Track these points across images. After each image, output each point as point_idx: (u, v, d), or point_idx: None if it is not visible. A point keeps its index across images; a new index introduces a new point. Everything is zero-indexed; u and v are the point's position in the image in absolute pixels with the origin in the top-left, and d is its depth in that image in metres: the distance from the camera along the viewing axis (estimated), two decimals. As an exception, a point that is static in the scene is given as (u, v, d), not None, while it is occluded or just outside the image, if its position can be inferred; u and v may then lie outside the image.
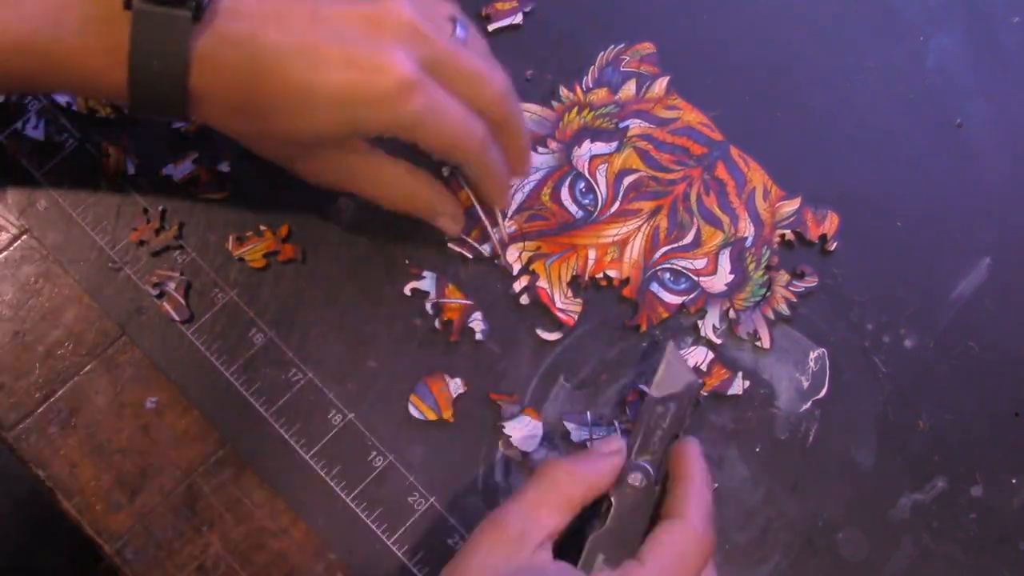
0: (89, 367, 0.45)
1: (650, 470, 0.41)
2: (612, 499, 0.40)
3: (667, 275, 0.47)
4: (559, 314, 0.46)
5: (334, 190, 0.43)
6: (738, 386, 0.46)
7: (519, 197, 0.48)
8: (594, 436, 0.45)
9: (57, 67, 0.37)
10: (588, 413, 0.45)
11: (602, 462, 0.40)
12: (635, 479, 0.41)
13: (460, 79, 0.39)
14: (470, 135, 0.39)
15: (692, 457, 0.40)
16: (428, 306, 0.46)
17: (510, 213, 0.47)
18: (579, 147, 0.48)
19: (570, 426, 0.45)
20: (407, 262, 0.47)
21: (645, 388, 0.44)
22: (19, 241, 0.46)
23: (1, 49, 0.36)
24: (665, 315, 0.46)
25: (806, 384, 0.46)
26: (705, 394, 0.46)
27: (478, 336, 0.46)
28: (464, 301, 0.46)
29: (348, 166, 0.41)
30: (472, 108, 0.39)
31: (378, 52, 0.36)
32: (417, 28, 0.38)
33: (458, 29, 0.41)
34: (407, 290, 0.46)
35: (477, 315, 0.46)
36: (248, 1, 0.36)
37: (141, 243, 0.46)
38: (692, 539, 0.37)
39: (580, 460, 0.40)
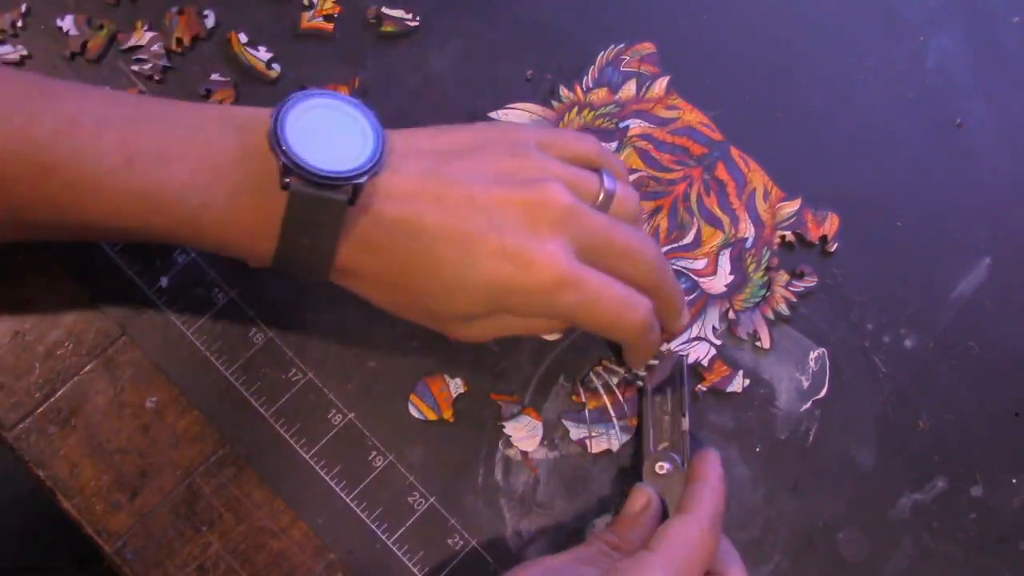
0: (89, 367, 0.45)
1: (674, 456, 0.42)
2: (656, 502, 0.42)
3: (667, 275, 0.47)
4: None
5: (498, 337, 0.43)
6: (738, 383, 0.46)
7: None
8: (593, 434, 0.45)
9: (200, 232, 0.36)
10: (587, 411, 0.45)
11: (638, 525, 0.41)
12: (661, 468, 0.42)
13: (614, 256, 0.38)
14: (629, 320, 0.38)
15: (711, 463, 0.41)
16: (428, 306, 0.46)
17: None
18: (579, 147, 0.48)
19: (569, 424, 0.45)
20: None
21: (640, 383, 0.45)
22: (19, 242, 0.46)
23: (141, 209, 0.36)
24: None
25: (806, 384, 0.46)
26: (704, 390, 0.46)
27: (478, 336, 0.46)
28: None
29: (493, 326, 0.40)
30: (630, 283, 0.39)
31: (533, 245, 0.36)
32: (573, 213, 0.37)
33: (606, 180, 0.40)
34: (407, 290, 0.46)
35: (477, 315, 0.46)
36: (404, 183, 0.36)
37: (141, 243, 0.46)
38: (698, 533, 0.38)
39: (618, 528, 0.41)
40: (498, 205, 0.36)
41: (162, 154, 0.35)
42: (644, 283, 0.39)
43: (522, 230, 0.36)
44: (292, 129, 0.35)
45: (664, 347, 0.44)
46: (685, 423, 0.43)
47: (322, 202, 0.35)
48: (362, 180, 0.35)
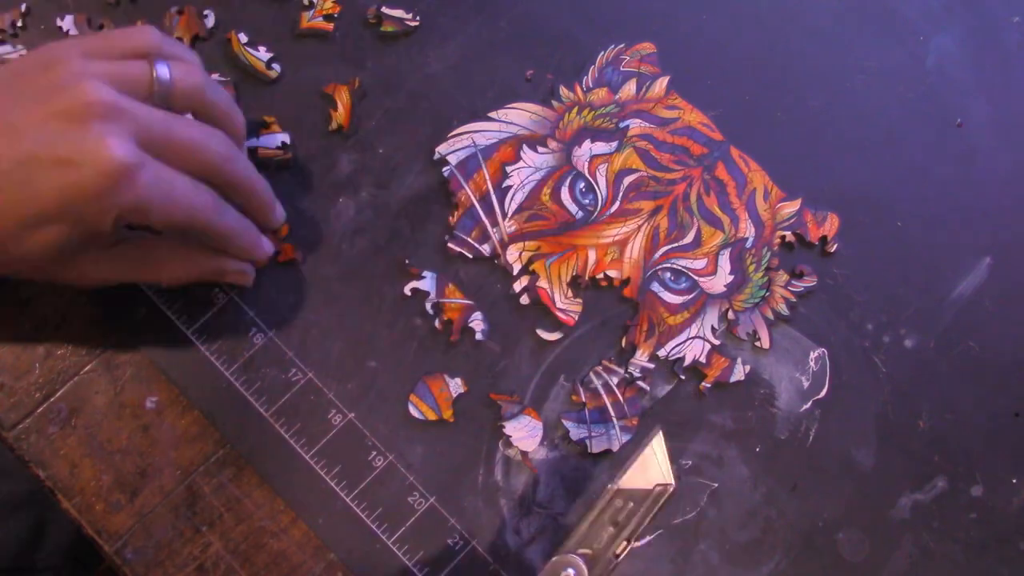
0: (89, 367, 0.45)
1: (583, 569, 0.38)
2: None
3: (668, 275, 0.47)
4: (559, 314, 0.46)
5: (112, 284, 0.42)
6: (740, 372, 0.46)
7: (519, 197, 0.48)
8: (593, 434, 0.45)
9: None
10: (587, 411, 0.45)
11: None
12: (567, 575, 0.38)
13: (175, 151, 0.38)
14: (201, 204, 0.38)
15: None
16: (428, 306, 0.46)
17: (510, 213, 0.47)
18: (579, 147, 0.48)
19: (569, 424, 0.45)
20: (407, 262, 0.47)
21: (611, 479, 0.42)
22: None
23: None
24: (666, 315, 0.46)
25: (806, 384, 0.46)
26: (708, 385, 0.46)
27: (478, 336, 0.46)
28: (464, 301, 0.46)
29: (112, 262, 0.40)
30: (196, 177, 0.38)
31: (86, 144, 0.35)
32: (117, 107, 0.36)
33: (158, 68, 0.38)
34: (407, 290, 0.46)
35: (477, 315, 0.46)
36: None
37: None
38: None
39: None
40: (39, 122, 0.35)
41: None
42: (214, 180, 0.39)
43: (71, 136, 0.35)
44: None
45: (655, 437, 0.42)
46: (622, 548, 0.40)
47: None
48: None
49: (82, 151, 0.35)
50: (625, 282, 0.47)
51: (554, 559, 0.39)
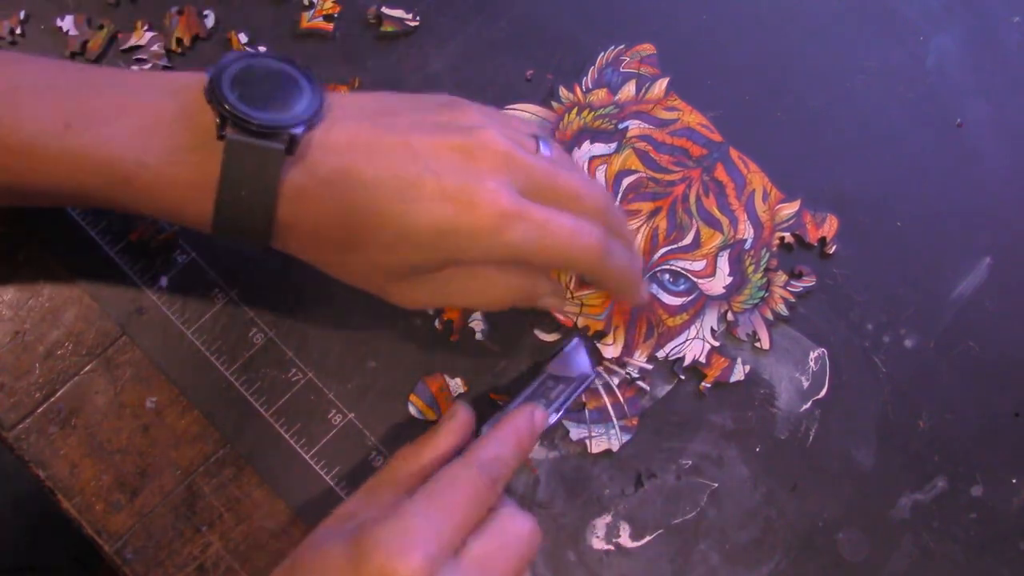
0: (89, 367, 0.45)
1: None
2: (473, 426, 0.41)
3: (667, 276, 0.47)
4: (559, 315, 0.46)
5: (431, 308, 0.43)
6: (739, 372, 0.46)
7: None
8: (592, 434, 0.45)
9: (138, 193, 0.36)
10: (587, 411, 0.45)
11: (442, 442, 0.40)
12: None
13: (559, 198, 0.38)
14: (584, 245, 0.38)
15: (518, 414, 0.40)
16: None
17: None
18: (579, 148, 0.48)
19: (569, 424, 0.45)
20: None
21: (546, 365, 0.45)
22: (20, 241, 0.46)
23: (78, 170, 0.35)
24: (665, 317, 0.46)
25: (806, 384, 0.46)
26: (708, 385, 0.46)
27: (478, 336, 0.46)
28: (464, 301, 0.46)
29: (440, 287, 0.40)
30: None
31: (473, 184, 0.36)
32: (511, 155, 0.37)
33: (542, 147, 0.40)
34: (407, 290, 0.46)
35: (477, 315, 0.46)
36: (340, 134, 0.36)
37: (141, 243, 0.46)
38: (465, 476, 0.37)
39: (422, 444, 0.40)
40: (434, 150, 0.36)
41: (99, 116, 0.35)
42: (598, 220, 0.39)
43: (460, 172, 0.36)
44: (230, 84, 0.35)
45: (575, 340, 0.44)
46: (553, 418, 0.42)
47: (259, 151, 0.34)
48: (299, 130, 0.35)
49: (468, 190, 0.35)
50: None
51: (492, 419, 0.42)
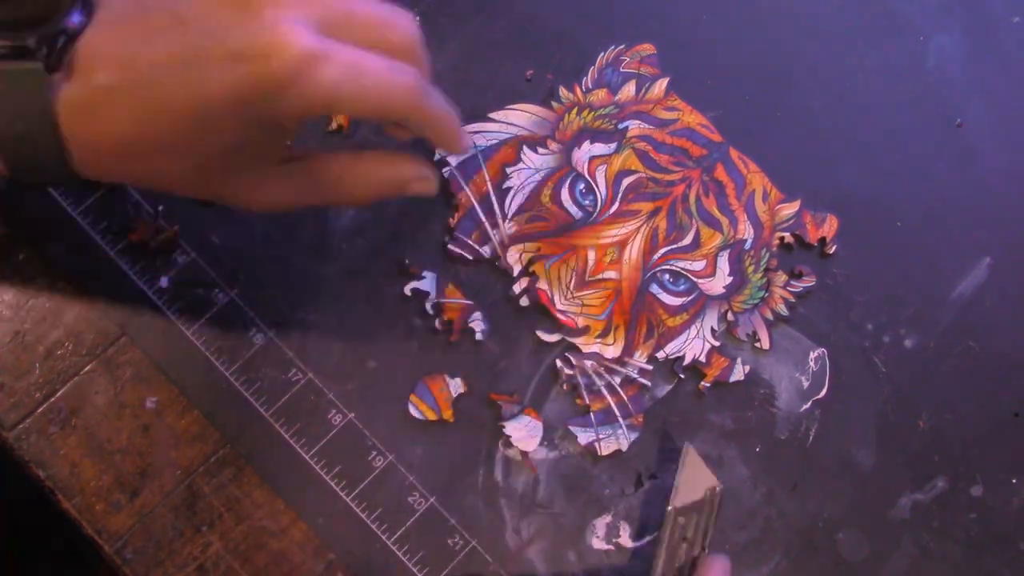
0: (89, 367, 0.45)
1: None
2: None
3: (667, 276, 0.47)
4: (559, 315, 0.46)
5: (292, 210, 0.39)
6: (739, 372, 0.46)
7: (520, 198, 0.48)
8: (600, 436, 0.45)
9: None
10: (592, 414, 0.45)
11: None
12: None
13: (363, 30, 0.33)
14: (402, 83, 0.34)
15: (719, 570, 0.39)
16: (428, 306, 0.46)
17: (510, 214, 0.47)
18: (579, 148, 0.48)
19: (576, 430, 0.45)
20: (407, 262, 0.47)
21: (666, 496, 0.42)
22: (20, 242, 0.46)
23: None
24: (665, 317, 0.46)
25: (806, 384, 0.46)
26: (708, 385, 0.46)
27: (478, 336, 0.46)
28: (464, 301, 0.46)
29: (292, 181, 0.37)
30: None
31: (261, 33, 0.31)
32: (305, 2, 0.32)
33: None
34: (407, 290, 0.46)
35: (477, 315, 0.46)
36: (105, 37, 0.32)
37: (141, 243, 0.46)
38: None
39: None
40: (204, 11, 0.31)
41: None
42: (405, 60, 0.34)
43: (243, 24, 0.31)
44: None
45: (687, 451, 0.42)
46: (702, 557, 0.41)
47: (19, 77, 0.30)
48: (60, 41, 0.30)
49: (257, 42, 0.31)
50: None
51: None
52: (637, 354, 0.46)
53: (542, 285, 0.46)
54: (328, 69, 0.31)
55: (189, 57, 0.31)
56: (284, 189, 0.37)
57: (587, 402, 0.45)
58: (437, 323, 0.46)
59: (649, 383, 0.46)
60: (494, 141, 0.48)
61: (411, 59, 0.35)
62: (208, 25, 0.31)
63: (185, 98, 0.32)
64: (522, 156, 0.48)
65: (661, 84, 0.50)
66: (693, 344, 0.46)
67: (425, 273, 0.46)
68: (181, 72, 0.31)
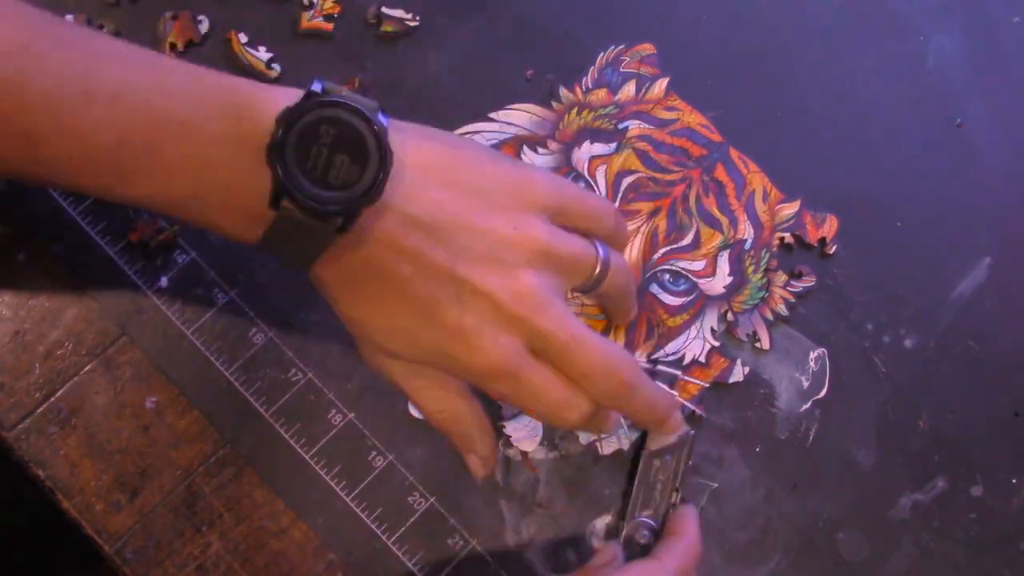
0: (89, 367, 0.45)
1: (654, 525, 0.43)
2: (621, 558, 0.42)
3: (667, 276, 0.47)
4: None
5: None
6: (739, 373, 0.46)
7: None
8: (602, 436, 0.45)
9: (185, 215, 0.36)
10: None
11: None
12: (642, 537, 0.42)
13: (569, 367, 0.37)
14: (562, 421, 0.38)
15: (689, 519, 0.42)
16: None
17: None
18: (579, 148, 0.48)
19: (579, 432, 0.45)
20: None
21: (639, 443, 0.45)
22: (20, 241, 0.46)
23: (129, 187, 0.35)
24: (665, 317, 0.46)
25: (806, 384, 0.46)
26: (707, 385, 0.46)
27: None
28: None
29: (417, 378, 0.40)
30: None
31: (485, 333, 0.36)
32: (535, 319, 0.36)
33: (601, 257, 0.39)
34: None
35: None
36: (391, 229, 0.35)
37: (141, 243, 0.46)
38: None
39: None
40: (473, 292, 0.36)
41: (154, 141, 0.33)
42: (603, 402, 0.38)
43: (482, 318, 0.36)
44: (296, 142, 0.33)
45: (683, 429, 0.43)
46: (676, 498, 0.43)
47: (310, 228, 0.34)
48: (356, 211, 0.34)
49: (482, 336, 0.36)
50: None
51: (626, 529, 0.43)
52: (637, 354, 0.46)
53: (542, 285, 0.46)
54: (507, 384, 0.37)
55: (434, 307, 0.36)
56: (407, 380, 0.40)
57: None
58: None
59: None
60: (494, 141, 0.48)
61: (609, 404, 0.39)
62: (464, 295, 0.36)
63: (406, 319, 0.36)
64: (522, 156, 0.48)
65: (661, 84, 0.50)
66: (693, 344, 0.46)
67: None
68: (420, 306, 0.36)
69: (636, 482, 0.43)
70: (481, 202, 0.37)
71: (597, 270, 0.39)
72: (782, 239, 0.48)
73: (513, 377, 0.36)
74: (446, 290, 0.36)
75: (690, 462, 0.44)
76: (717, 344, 0.46)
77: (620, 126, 0.49)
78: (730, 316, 0.47)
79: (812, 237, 0.48)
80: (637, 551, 0.42)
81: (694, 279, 0.47)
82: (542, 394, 0.37)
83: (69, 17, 0.48)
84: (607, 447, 0.45)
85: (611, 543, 0.43)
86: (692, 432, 0.44)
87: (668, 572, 0.39)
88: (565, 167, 0.48)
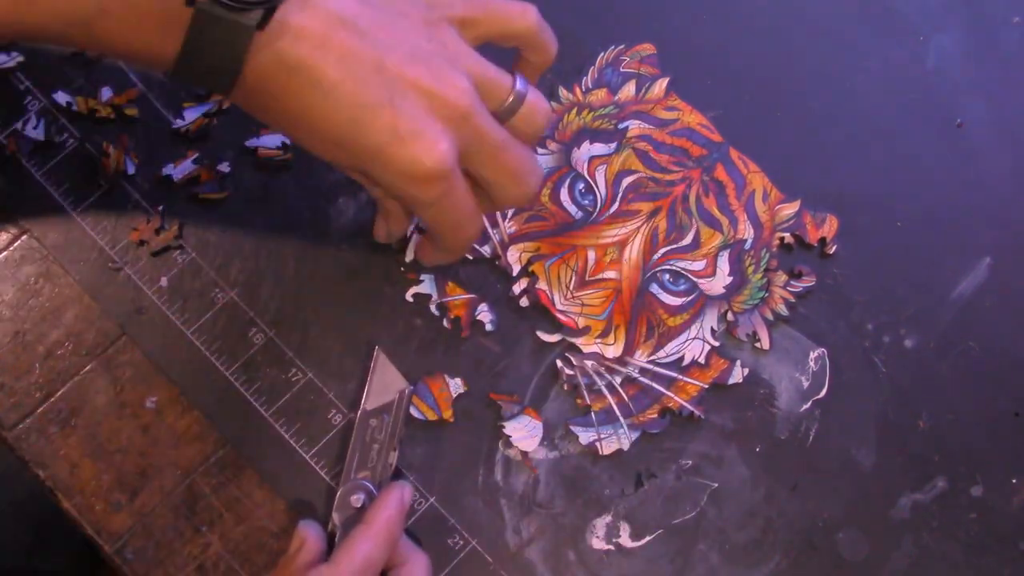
0: (89, 367, 0.45)
1: (371, 487, 0.42)
2: (336, 521, 0.42)
3: (667, 276, 0.47)
4: (559, 316, 0.46)
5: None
6: (738, 374, 0.46)
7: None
8: (602, 436, 0.45)
9: (93, 37, 0.34)
10: (593, 414, 0.45)
11: (295, 565, 0.41)
12: (357, 499, 0.42)
13: (494, 169, 0.38)
14: (463, 235, 0.39)
15: (395, 489, 0.42)
16: (433, 308, 0.46)
17: (510, 213, 0.47)
18: (578, 148, 0.48)
19: (577, 430, 0.45)
20: (402, 269, 0.46)
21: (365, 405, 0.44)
22: (19, 241, 0.46)
23: (32, 7, 0.33)
24: (665, 317, 0.46)
25: (806, 384, 0.46)
26: (706, 386, 0.46)
27: (488, 327, 0.46)
28: (467, 296, 0.46)
29: (347, 154, 0.39)
30: (497, 199, 0.40)
31: (424, 134, 0.35)
32: (471, 117, 0.36)
33: (518, 83, 0.39)
34: (409, 296, 0.46)
35: (483, 306, 0.46)
36: (316, 26, 0.34)
37: (141, 243, 0.46)
38: (369, 543, 0.40)
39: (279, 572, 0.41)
40: (403, 82, 0.35)
41: None
42: (512, 204, 0.40)
43: (418, 117, 0.35)
44: None
45: (376, 355, 0.44)
46: (393, 457, 0.43)
47: (228, 24, 0.33)
48: (275, 3, 0.33)
49: (415, 137, 0.35)
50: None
51: (341, 490, 0.42)
52: (638, 353, 0.46)
53: (542, 285, 0.46)
54: (436, 191, 0.36)
55: (368, 106, 0.35)
56: (338, 155, 0.39)
57: (588, 402, 0.45)
58: (445, 322, 0.46)
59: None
60: (494, 141, 0.48)
61: (517, 205, 0.41)
62: (397, 96, 0.35)
63: (338, 127, 0.35)
64: (522, 156, 0.48)
65: (661, 84, 0.50)
66: (693, 344, 0.46)
67: (423, 276, 0.46)
68: (353, 108, 0.35)
69: (352, 442, 0.43)
70: (398, 11, 0.37)
71: (510, 99, 0.38)
72: (782, 239, 0.48)
73: (447, 180, 0.36)
74: (378, 92, 0.35)
75: (403, 420, 0.44)
76: (717, 344, 0.46)
77: (620, 126, 0.49)
78: (730, 316, 0.47)
79: (812, 237, 0.48)
80: (352, 515, 0.42)
81: (694, 279, 0.47)
82: (461, 203, 0.37)
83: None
84: (607, 447, 0.45)
85: (306, 524, 0.42)
86: (410, 388, 0.44)
87: (374, 531, 0.40)
88: (565, 167, 0.48)
